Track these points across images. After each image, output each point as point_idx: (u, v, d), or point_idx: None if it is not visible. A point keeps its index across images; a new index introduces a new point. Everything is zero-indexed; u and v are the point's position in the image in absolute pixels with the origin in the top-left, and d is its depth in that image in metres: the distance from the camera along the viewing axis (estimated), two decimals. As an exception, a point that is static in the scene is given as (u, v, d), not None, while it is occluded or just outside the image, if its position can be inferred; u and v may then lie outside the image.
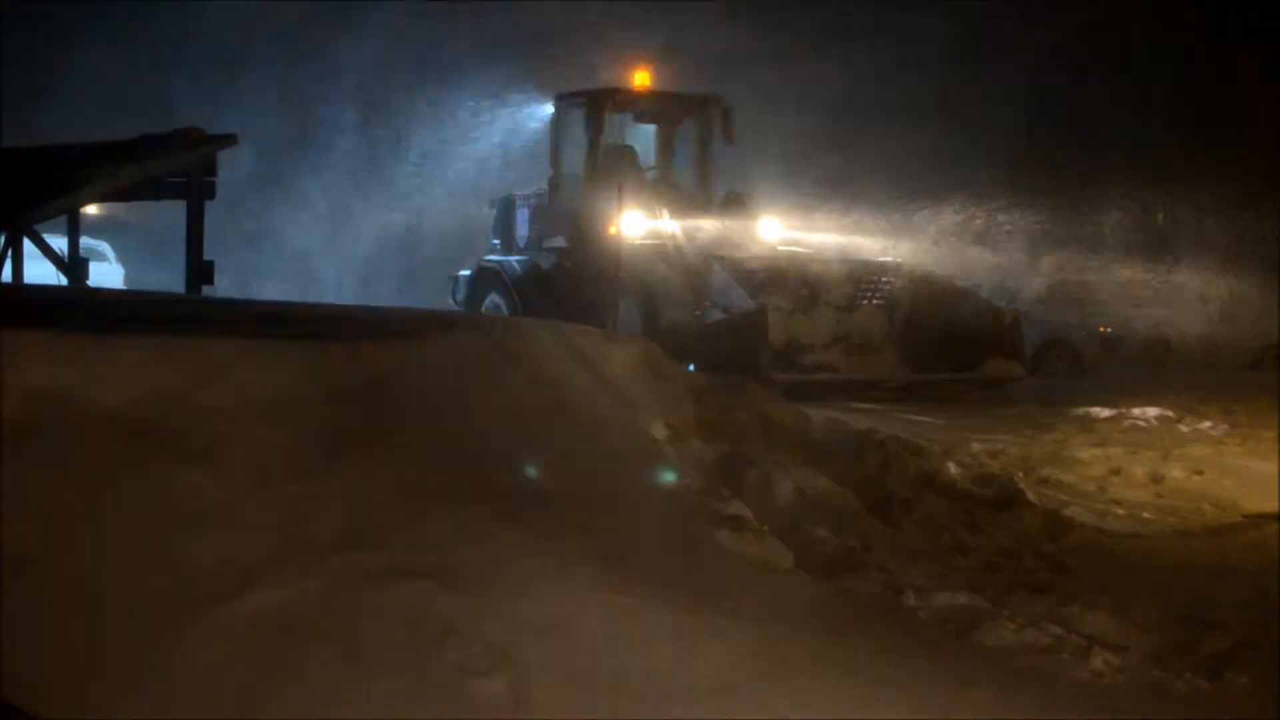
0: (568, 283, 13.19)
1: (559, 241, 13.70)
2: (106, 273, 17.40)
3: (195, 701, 2.91)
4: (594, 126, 13.37)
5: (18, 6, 21.99)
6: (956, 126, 20.13)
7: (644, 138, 14.22)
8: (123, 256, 19.84)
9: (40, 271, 10.12)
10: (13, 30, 21.10)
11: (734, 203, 13.41)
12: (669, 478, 5.54)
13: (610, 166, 13.21)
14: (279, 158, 21.31)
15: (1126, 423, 10.32)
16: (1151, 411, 10.58)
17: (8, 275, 9.44)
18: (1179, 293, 14.91)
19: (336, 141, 22.43)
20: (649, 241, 12.53)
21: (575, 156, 13.74)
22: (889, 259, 12.72)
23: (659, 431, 6.10)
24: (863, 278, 12.27)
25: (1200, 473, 8.52)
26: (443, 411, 4.72)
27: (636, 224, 12.53)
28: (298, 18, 21.78)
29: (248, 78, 21.34)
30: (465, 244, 16.67)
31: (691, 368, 8.36)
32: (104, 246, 18.99)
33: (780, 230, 13.27)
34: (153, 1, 22.25)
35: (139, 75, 21.46)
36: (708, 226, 12.72)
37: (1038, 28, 20.55)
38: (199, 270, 9.80)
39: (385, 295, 19.57)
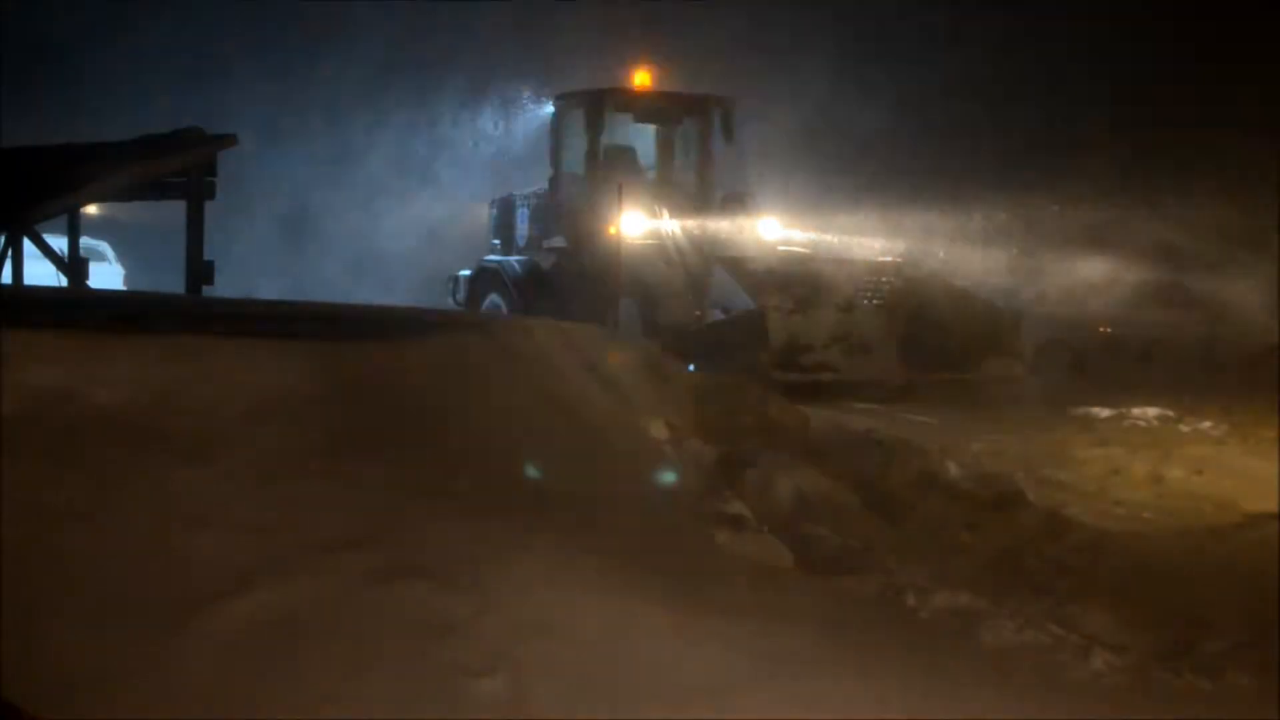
0: (568, 283, 13.18)
1: (559, 241, 13.70)
2: (106, 273, 17.39)
3: (195, 701, 2.91)
4: (594, 126, 13.37)
5: (18, 6, 21.99)
6: (966, 125, 20.14)
7: (644, 138, 14.22)
8: (123, 256, 19.84)
9: (40, 271, 10.12)
10: (13, 30, 21.10)
11: (734, 203, 13.41)
12: (669, 478, 5.55)
13: (610, 166, 13.21)
14: (278, 157, 21.31)
15: (1126, 423, 10.33)
16: (1151, 411, 10.58)
17: (8, 275, 9.44)
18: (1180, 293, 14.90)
19: (336, 141, 22.41)
20: (649, 241, 12.53)
21: (575, 156, 13.74)
22: (889, 259, 12.72)
23: (659, 431, 6.11)
24: (863, 278, 12.27)
25: (1200, 473, 8.52)
26: (443, 411, 4.72)
27: (636, 224, 12.52)
28: (299, 17, 21.79)
29: (248, 77, 21.34)
30: (465, 244, 16.67)
31: (691, 368, 8.36)
32: (104, 246, 18.98)
33: (782, 230, 13.28)
34: (154, 1, 22.26)
35: (139, 75, 21.45)
36: (708, 226, 12.72)
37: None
38: (199, 270, 9.80)
39: (385, 295, 19.56)
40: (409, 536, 3.71)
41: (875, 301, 12.23)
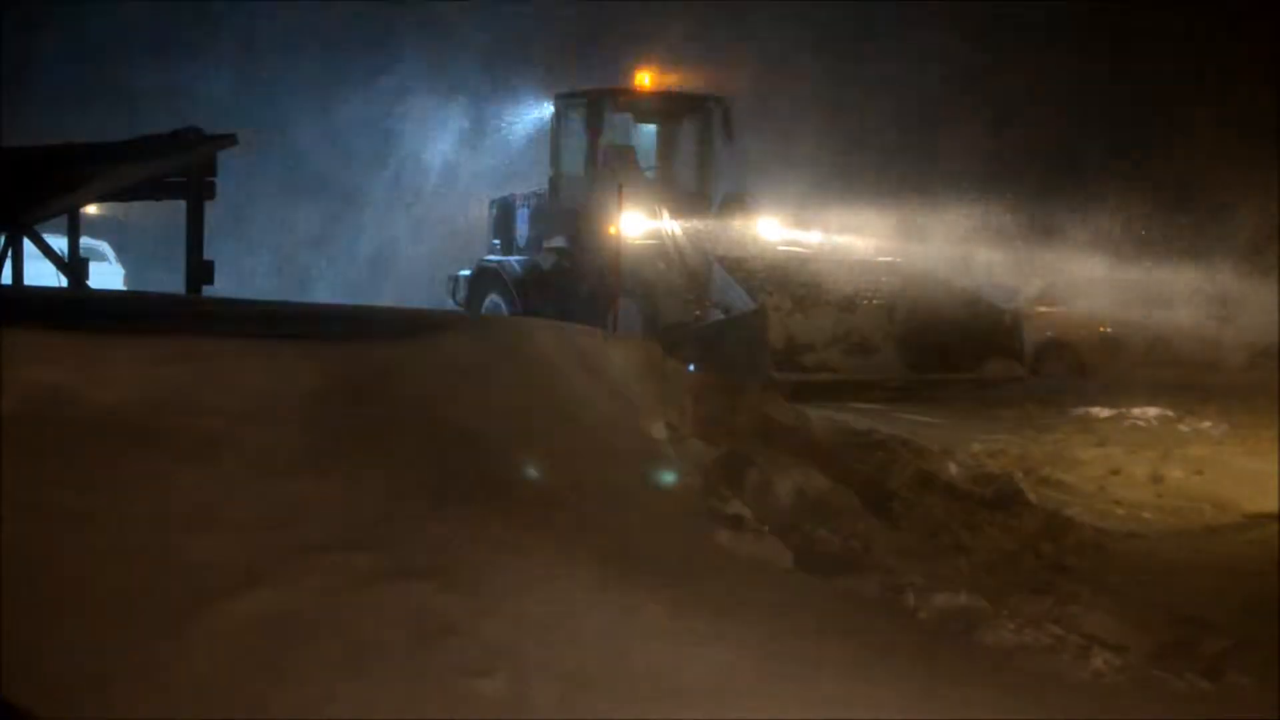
0: (568, 283, 13.20)
1: (559, 241, 13.71)
2: (106, 273, 17.37)
3: (195, 701, 2.91)
4: (594, 126, 13.38)
5: (18, 6, 21.99)
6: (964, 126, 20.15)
7: (644, 138, 14.23)
8: (123, 256, 19.84)
9: (40, 271, 10.13)
10: (13, 29, 21.09)
11: (734, 203, 13.42)
12: (669, 478, 5.55)
13: (610, 166, 13.22)
14: (278, 157, 21.31)
15: (1126, 423, 10.33)
16: (1151, 411, 10.58)
17: (8, 275, 9.44)
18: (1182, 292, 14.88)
19: (336, 141, 22.42)
20: (649, 241, 12.53)
21: (575, 156, 13.75)
22: (889, 259, 12.72)
23: (659, 431, 6.10)
24: (863, 278, 12.27)
25: (1200, 473, 8.52)
26: (442, 411, 4.72)
27: (636, 224, 12.54)
28: (298, 17, 21.79)
29: (249, 77, 21.34)
30: (465, 244, 16.67)
31: (691, 368, 8.35)
32: (104, 246, 18.97)
33: (782, 230, 13.28)
34: (154, 1, 22.25)
35: (139, 75, 21.44)
36: (708, 226, 12.72)
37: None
38: (199, 270, 9.81)
39: (384, 295, 19.57)
40: (409, 536, 3.71)
41: (875, 301, 12.23)
